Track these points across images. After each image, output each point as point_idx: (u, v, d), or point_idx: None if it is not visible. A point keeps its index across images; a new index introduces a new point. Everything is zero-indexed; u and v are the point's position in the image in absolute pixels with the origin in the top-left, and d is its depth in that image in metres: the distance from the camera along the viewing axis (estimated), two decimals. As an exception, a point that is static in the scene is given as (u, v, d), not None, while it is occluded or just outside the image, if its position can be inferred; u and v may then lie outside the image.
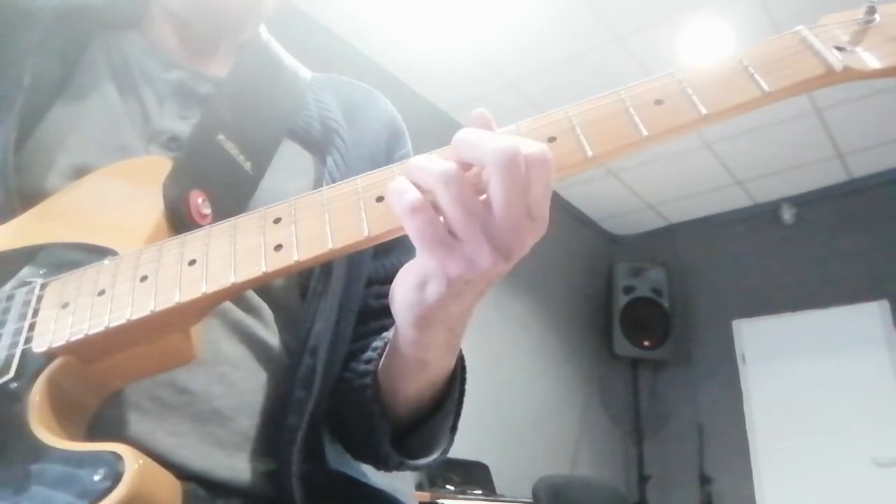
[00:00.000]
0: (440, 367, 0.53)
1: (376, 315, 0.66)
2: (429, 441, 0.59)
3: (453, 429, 0.59)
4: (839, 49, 0.41)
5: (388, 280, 0.67)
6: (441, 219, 0.39)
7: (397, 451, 0.58)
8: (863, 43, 0.42)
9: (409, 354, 0.51)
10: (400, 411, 0.57)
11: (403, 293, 0.45)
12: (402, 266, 0.69)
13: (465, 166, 0.40)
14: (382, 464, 0.61)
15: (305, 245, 0.42)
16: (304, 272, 0.60)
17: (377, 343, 0.59)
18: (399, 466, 0.60)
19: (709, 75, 0.42)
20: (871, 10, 0.43)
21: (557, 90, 3.54)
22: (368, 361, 0.58)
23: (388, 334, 0.58)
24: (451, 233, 0.39)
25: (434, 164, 0.39)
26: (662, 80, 0.42)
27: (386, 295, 0.66)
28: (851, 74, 0.41)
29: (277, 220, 0.44)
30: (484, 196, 0.38)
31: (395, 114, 0.77)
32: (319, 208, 0.44)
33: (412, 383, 0.54)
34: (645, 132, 0.40)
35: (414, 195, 0.39)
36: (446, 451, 0.60)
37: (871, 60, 0.41)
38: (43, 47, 0.60)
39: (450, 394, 0.56)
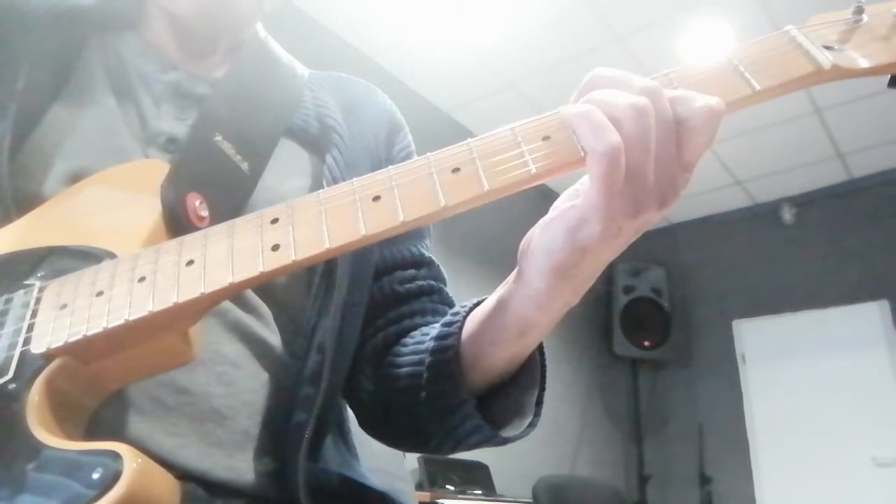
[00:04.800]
0: (538, 335, 0.51)
1: (405, 299, 0.67)
2: (518, 409, 0.55)
3: (539, 403, 0.55)
4: (828, 48, 0.42)
5: (410, 265, 0.69)
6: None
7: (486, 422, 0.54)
8: (851, 42, 0.43)
9: (518, 314, 0.49)
10: (477, 382, 0.54)
11: (549, 238, 0.44)
12: (420, 252, 0.71)
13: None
14: (453, 441, 0.57)
15: (303, 245, 0.42)
16: (307, 270, 0.60)
17: (455, 312, 0.57)
18: (481, 441, 0.55)
19: (700, 74, 0.43)
20: (859, 10, 0.43)
21: (557, 90, 3.53)
22: (446, 337, 0.55)
23: (465, 306, 0.56)
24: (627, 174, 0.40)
25: (625, 98, 0.40)
26: (657, 80, 0.43)
27: (410, 280, 0.69)
28: (840, 73, 0.42)
29: (275, 221, 0.44)
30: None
31: (393, 108, 0.78)
32: (316, 209, 0.44)
33: (506, 350, 0.52)
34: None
35: (616, 137, 0.39)
36: (533, 425, 0.55)
37: (859, 59, 0.42)
38: (37, 50, 0.60)
39: (530, 366, 0.54)
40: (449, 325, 0.56)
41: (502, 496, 3.17)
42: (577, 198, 0.43)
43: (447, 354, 0.54)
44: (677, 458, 4.53)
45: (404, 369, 0.59)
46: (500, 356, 0.52)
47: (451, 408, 0.54)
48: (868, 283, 4.16)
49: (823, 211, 4.48)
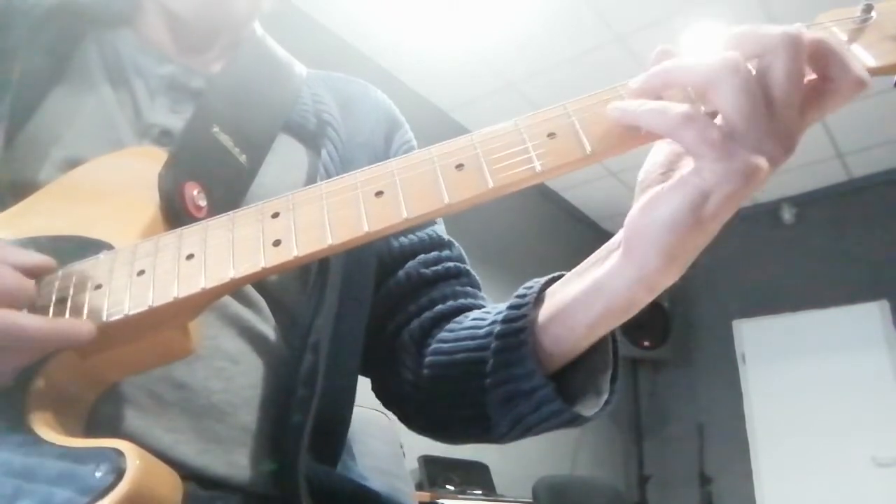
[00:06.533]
0: (633, 311, 0.47)
1: (433, 283, 0.66)
2: (593, 387, 0.52)
3: (614, 379, 0.52)
4: None
5: (430, 247, 0.69)
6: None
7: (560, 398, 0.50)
8: (859, 41, 0.42)
9: (625, 296, 0.45)
10: (550, 366, 0.51)
11: (671, 212, 0.40)
12: (437, 234, 0.70)
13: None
14: (523, 427, 0.54)
15: (304, 241, 0.42)
16: (303, 266, 0.59)
17: (521, 294, 0.54)
18: (556, 425, 0.52)
19: None
20: (869, 8, 0.43)
21: (557, 90, 3.54)
22: (516, 320, 0.52)
23: (531, 289, 0.53)
24: (729, 134, 0.37)
25: (712, 59, 0.38)
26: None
27: (435, 262, 0.68)
28: None
29: (276, 215, 0.44)
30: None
31: (391, 105, 0.78)
32: (318, 203, 0.43)
33: (598, 333, 0.49)
34: (644, 129, 0.40)
35: (681, 108, 0.38)
36: (610, 402, 0.52)
37: (867, 58, 0.41)
38: (33, 43, 0.60)
39: (601, 347, 0.51)
40: (517, 307, 0.53)
41: (502, 496, 3.16)
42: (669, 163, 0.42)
43: (519, 338, 0.51)
44: (677, 458, 4.53)
45: (459, 356, 0.57)
46: (589, 339, 0.50)
47: (524, 393, 0.51)
48: (868, 283, 4.16)
49: (823, 211, 4.48)
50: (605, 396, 0.51)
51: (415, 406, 0.64)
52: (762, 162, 0.37)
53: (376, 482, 0.62)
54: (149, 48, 0.66)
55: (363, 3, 3.07)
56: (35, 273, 0.44)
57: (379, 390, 0.68)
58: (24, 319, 0.41)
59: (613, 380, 0.52)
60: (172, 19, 0.66)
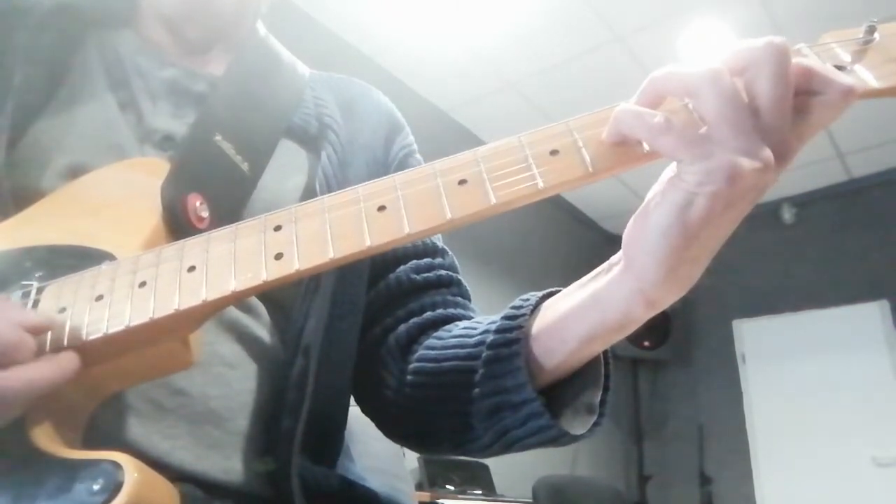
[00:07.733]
0: (628, 332, 0.47)
1: (424, 289, 0.66)
2: (585, 407, 0.51)
3: (603, 403, 0.51)
4: (839, 68, 0.41)
5: (423, 253, 0.68)
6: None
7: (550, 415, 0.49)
8: (862, 62, 0.42)
9: (622, 310, 0.45)
10: (540, 381, 0.50)
11: (662, 216, 0.40)
12: (432, 241, 0.70)
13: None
14: (507, 442, 0.53)
15: (306, 254, 0.42)
16: None
17: (517, 306, 0.53)
18: (542, 442, 0.51)
19: None
20: (872, 30, 0.43)
21: (557, 90, 3.54)
22: (509, 330, 0.51)
23: (528, 300, 0.52)
24: (714, 137, 0.38)
25: (695, 68, 0.38)
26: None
27: (427, 268, 0.67)
28: None
29: (278, 228, 0.44)
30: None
31: (393, 108, 0.77)
32: (320, 216, 0.43)
33: (595, 348, 0.48)
34: (647, 147, 0.40)
35: (658, 114, 0.39)
36: (599, 424, 0.50)
37: (870, 80, 0.41)
38: (33, 48, 0.59)
39: (592, 365, 0.51)
40: (512, 318, 0.52)
41: (502, 496, 3.17)
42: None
43: (512, 349, 0.50)
44: (677, 458, 4.54)
45: (447, 363, 0.56)
46: (581, 356, 0.49)
47: (512, 406, 0.50)
48: (868, 283, 4.16)
49: (823, 211, 4.48)
50: (594, 418, 0.50)
51: (394, 412, 0.63)
52: (744, 162, 0.37)
53: (376, 482, 0.62)
54: (150, 50, 0.65)
55: (363, 3, 3.07)
56: (35, 331, 0.42)
57: (358, 394, 0.67)
58: (31, 374, 0.40)
59: (604, 402, 0.50)
60: (168, 23, 0.66)
